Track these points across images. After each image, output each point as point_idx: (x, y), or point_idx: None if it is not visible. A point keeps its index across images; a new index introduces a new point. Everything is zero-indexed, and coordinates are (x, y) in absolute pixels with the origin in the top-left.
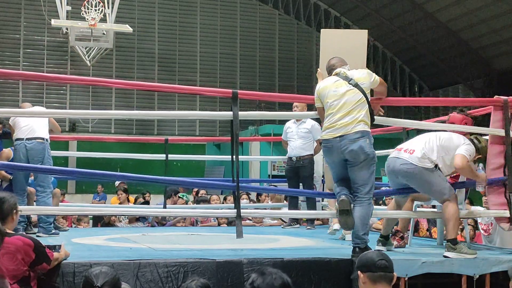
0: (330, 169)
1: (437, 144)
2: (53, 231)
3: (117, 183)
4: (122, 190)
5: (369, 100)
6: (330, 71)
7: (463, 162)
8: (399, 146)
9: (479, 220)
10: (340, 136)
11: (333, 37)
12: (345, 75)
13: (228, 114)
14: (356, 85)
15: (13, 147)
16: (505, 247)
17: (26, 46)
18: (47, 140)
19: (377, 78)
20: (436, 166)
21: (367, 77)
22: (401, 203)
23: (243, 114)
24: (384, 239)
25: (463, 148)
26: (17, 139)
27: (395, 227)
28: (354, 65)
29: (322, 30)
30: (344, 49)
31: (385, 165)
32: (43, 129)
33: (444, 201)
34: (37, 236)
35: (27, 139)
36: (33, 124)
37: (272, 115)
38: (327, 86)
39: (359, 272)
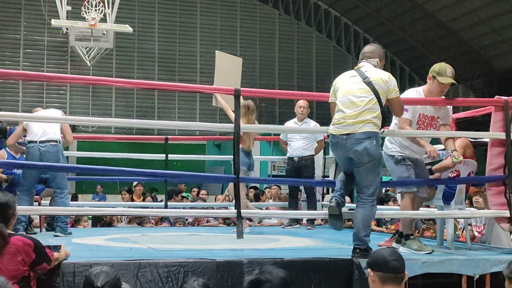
0: (337, 160)
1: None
2: (69, 230)
3: (134, 183)
4: (125, 191)
5: (382, 102)
6: (360, 60)
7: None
8: None
9: (473, 223)
10: (346, 134)
11: (223, 59)
12: (363, 71)
13: (229, 126)
14: (369, 84)
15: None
16: (500, 247)
17: (26, 46)
18: (59, 141)
19: (395, 94)
20: (404, 159)
21: (384, 82)
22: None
23: (244, 127)
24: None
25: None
26: (30, 142)
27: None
28: (230, 86)
29: (216, 52)
30: (230, 71)
31: None
32: (55, 130)
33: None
34: (55, 235)
35: (41, 142)
36: (45, 126)
37: (275, 129)
38: (342, 81)
39: (369, 269)
